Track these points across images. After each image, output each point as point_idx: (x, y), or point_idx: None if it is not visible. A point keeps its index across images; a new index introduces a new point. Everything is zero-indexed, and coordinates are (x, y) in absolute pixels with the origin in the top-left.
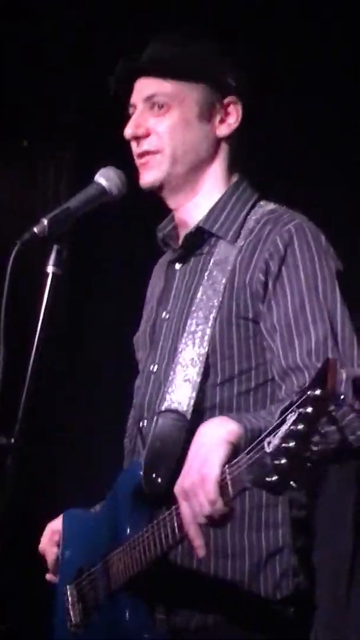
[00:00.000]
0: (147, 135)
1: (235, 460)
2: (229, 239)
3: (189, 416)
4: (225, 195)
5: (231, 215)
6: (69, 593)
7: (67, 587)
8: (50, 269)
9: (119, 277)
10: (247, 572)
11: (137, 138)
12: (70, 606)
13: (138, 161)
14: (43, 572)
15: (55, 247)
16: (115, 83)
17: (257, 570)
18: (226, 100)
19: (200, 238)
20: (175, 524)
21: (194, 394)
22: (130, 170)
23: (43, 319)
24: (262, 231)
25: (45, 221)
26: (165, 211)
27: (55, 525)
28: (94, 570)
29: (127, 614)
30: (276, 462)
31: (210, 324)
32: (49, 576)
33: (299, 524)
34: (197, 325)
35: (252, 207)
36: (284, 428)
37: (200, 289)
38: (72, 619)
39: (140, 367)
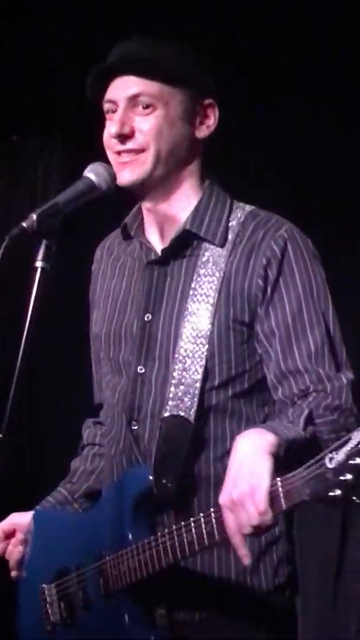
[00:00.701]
0: (132, 134)
1: (292, 474)
2: (217, 242)
3: (193, 421)
4: (205, 197)
5: (214, 218)
6: (47, 593)
7: (45, 586)
8: (39, 264)
9: None
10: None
11: (122, 137)
12: (48, 605)
13: (118, 159)
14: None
15: (44, 242)
16: (92, 85)
17: (257, 560)
18: (205, 102)
19: (184, 240)
20: (206, 531)
21: (196, 399)
22: None
23: (32, 314)
24: (254, 236)
25: (34, 216)
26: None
27: (16, 523)
28: (84, 570)
29: (127, 616)
30: (341, 477)
31: (208, 329)
32: (15, 573)
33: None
34: (194, 330)
35: (230, 209)
36: (349, 445)
37: (190, 293)
38: (51, 617)
39: (113, 365)
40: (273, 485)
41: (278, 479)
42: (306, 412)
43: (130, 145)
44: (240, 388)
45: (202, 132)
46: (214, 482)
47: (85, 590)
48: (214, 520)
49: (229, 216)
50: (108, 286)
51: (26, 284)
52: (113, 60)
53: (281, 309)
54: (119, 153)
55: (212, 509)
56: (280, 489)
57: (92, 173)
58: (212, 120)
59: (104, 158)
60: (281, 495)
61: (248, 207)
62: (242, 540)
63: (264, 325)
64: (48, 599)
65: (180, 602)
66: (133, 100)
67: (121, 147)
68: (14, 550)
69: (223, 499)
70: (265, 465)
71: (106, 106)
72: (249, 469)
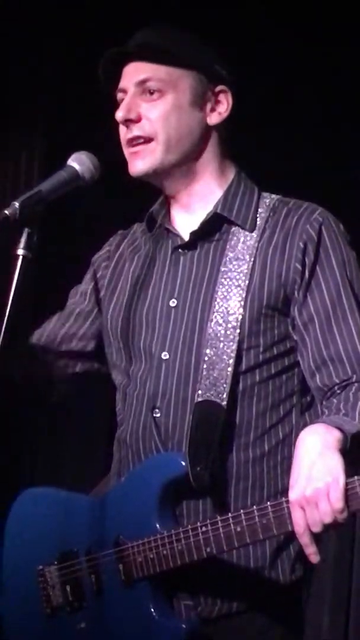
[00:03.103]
0: (138, 120)
1: None
2: (248, 227)
3: (225, 406)
4: (234, 184)
5: (244, 203)
6: (47, 575)
7: (44, 568)
8: (20, 251)
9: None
10: (268, 557)
11: (128, 122)
12: (50, 587)
13: (128, 149)
14: None
15: (26, 230)
16: (105, 67)
17: (276, 555)
18: (217, 89)
19: (213, 225)
20: (261, 524)
21: (228, 384)
22: (102, 155)
23: (12, 302)
24: (287, 221)
25: (16, 204)
26: (136, 194)
27: None
28: (96, 556)
29: (152, 606)
30: None
31: (239, 312)
32: None
33: None
34: (225, 314)
35: (258, 197)
36: None
37: (219, 276)
38: (53, 601)
39: (123, 350)
40: (350, 483)
41: (356, 477)
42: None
43: (136, 131)
44: (267, 374)
45: (214, 119)
46: (239, 471)
47: (98, 575)
48: (271, 515)
49: (257, 203)
50: (126, 273)
51: (7, 271)
52: (122, 48)
53: (319, 294)
54: (128, 143)
55: (268, 502)
56: (358, 487)
57: (76, 162)
58: (224, 107)
59: (86, 148)
60: (359, 493)
61: (275, 196)
62: (311, 539)
63: (302, 310)
64: (49, 581)
65: (201, 594)
66: (141, 86)
67: (129, 135)
68: None
69: (295, 495)
70: (338, 462)
71: (118, 96)
72: (322, 466)
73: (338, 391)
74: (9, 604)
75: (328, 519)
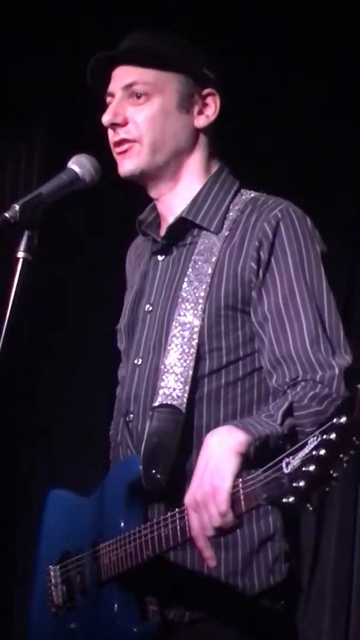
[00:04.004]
0: (124, 123)
1: (251, 476)
2: (213, 229)
3: (184, 410)
4: (207, 185)
5: (214, 205)
6: (52, 574)
7: (51, 567)
8: (20, 254)
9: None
10: (240, 562)
11: (115, 126)
12: (53, 587)
13: (115, 150)
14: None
15: (26, 233)
16: (93, 72)
17: (249, 559)
18: (205, 92)
19: (183, 229)
20: (179, 527)
21: (187, 388)
22: (103, 157)
23: (12, 305)
24: (248, 220)
25: (17, 207)
26: (140, 197)
27: None
28: (82, 555)
29: (116, 606)
30: (294, 484)
31: (199, 316)
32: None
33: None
34: (186, 317)
35: (234, 196)
36: (305, 451)
37: (185, 280)
38: (55, 600)
39: (124, 358)
40: (235, 487)
41: (240, 480)
42: (286, 404)
43: (122, 134)
44: (234, 376)
45: (201, 122)
46: None
47: (82, 575)
48: (186, 517)
49: (230, 203)
50: (130, 282)
51: (7, 274)
52: (109, 52)
53: (273, 292)
54: (115, 145)
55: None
56: (241, 490)
57: (76, 165)
58: (212, 110)
59: (86, 150)
60: (241, 497)
61: (253, 194)
62: (205, 542)
63: (257, 310)
64: (52, 580)
65: (171, 599)
66: (128, 89)
67: (115, 138)
68: None
69: (187, 499)
70: (230, 466)
71: (107, 99)
72: (213, 469)
73: (288, 391)
74: (33, 602)
75: (216, 523)
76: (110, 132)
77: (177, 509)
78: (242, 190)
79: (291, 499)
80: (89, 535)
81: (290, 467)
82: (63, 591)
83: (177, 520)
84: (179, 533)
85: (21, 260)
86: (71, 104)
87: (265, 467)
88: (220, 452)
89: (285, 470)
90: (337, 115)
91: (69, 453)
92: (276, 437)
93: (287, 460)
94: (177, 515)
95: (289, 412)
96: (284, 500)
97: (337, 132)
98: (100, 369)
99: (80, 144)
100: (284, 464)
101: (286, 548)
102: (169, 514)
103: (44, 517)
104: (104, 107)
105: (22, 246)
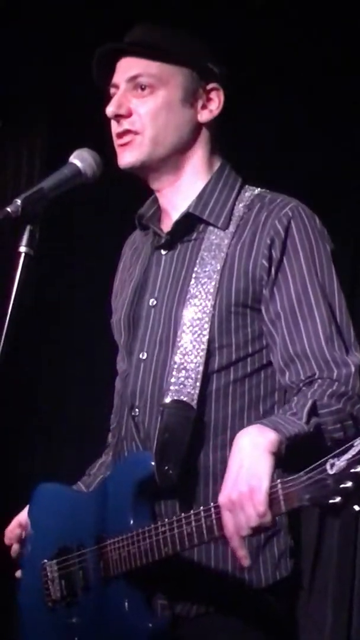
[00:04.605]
0: (128, 115)
1: (292, 477)
2: (220, 225)
3: (195, 406)
4: (212, 181)
5: (220, 200)
6: (48, 569)
7: (47, 562)
8: (22, 249)
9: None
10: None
11: (119, 117)
12: (50, 582)
13: (117, 141)
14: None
15: (28, 228)
16: (98, 63)
17: (256, 554)
18: (209, 87)
19: (188, 224)
20: (205, 526)
21: (198, 384)
22: (104, 152)
23: (14, 300)
24: (258, 217)
25: (18, 201)
26: (140, 191)
27: (23, 519)
28: (84, 551)
29: (126, 602)
30: (341, 485)
31: (209, 312)
32: (19, 573)
33: None
34: (195, 313)
35: (239, 192)
36: (351, 453)
37: (193, 276)
38: (52, 595)
39: (123, 352)
40: (273, 487)
41: (279, 481)
42: (309, 403)
43: (125, 125)
44: (242, 372)
45: (205, 116)
46: (215, 471)
47: (85, 570)
48: (214, 516)
49: (235, 199)
50: (126, 275)
51: (9, 269)
52: (114, 43)
53: (286, 290)
54: (118, 137)
55: (212, 504)
56: (280, 491)
57: (78, 159)
58: (215, 105)
59: (88, 145)
60: (281, 498)
61: (258, 190)
62: (240, 542)
63: (269, 307)
64: (49, 575)
65: (179, 594)
66: (133, 81)
67: (118, 129)
68: (15, 547)
69: (222, 499)
70: (265, 466)
71: (111, 91)
72: (248, 469)
73: (303, 388)
74: (24, 596)
75: (253, 523)
76: (113, 123)
77: (201, 507)
78: (245, 187)
79: (337, 500)
80: (91, 531)
81: (335, 468)
82: (62, 586)
83: (203, 519)
84: (204, 531)
85: (23, 254)
86: (72, 101)
87: (307, 469)
88: (254, 452)
89: (330, 472)
90: (339, 113)
91: (68, 450)
92: (303, 435)
93: (331, 461)
94: (202, 513)
95: (313, 411)
96: (330, 501)
97: (340, 130)
98: (101, 365)
99: (82, 142)
100: (328, 466)
101: (291, 544)
102: (191, 512)
103: (32, 511)
104: (107, 98)
105: (24, 241)
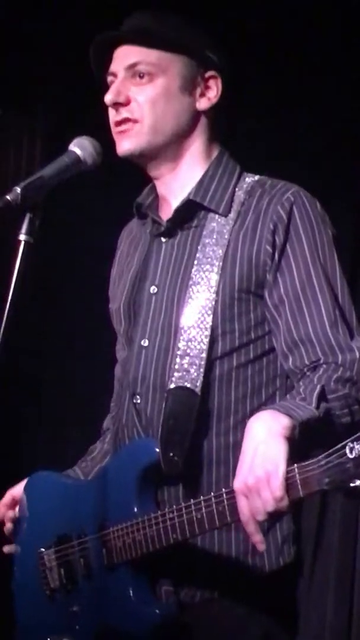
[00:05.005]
0: (127, 103)
1: (310, 462)
2: (221, 211)
3: (199, 392)
4: (211, 168)
5: (220, 187)
6: (46, 558)
7: (44, 551)
8: (22, 237)
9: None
10: (250, 542)
11: (117, 105)
12: (48, 570)
13: (115, 129)
14: None
15: (28, 216)
16: (96, 51)
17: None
18: (207, 74)
19: (189, 211)
20: (217, 511)
21: (202, 370)
22: (104, 140)
23: (14, 288)
24: (260, 203)
25: (18, 189)
26: (140, 179)
27: (17, 492)
28: (86, 539)
29: (131, 591)
30: None
31: (212, 299)
32: (7, 548)
33: None
34: (198, 300)
35: (238, 179)
36: None
37: (195, 263)
38: (51, 583)
39: (123, 339)
40: (290, 471)
41: (295, 465)
42: (318, 388)
43: (124, 114)
44: (245, 358)
45: (203, 104)
46: (218, 457)
47: (87, 558)
48: (226, 502)
49: (235, 185)
50: (124, 264)
51: (9, 257)
52: (112, 32)
53: (289, 276)
54: (116, 125)
55: (224, 490)
56: (297, 475)
57: (78, 147)
58: (213, 92)
59: (87, 132)
60: (298, 482)
61: (256, 177)
62: (256, 527)
63: (272, 293)
64: (47, 564)
65: (182, 580)
66: (131, 69)
67: (117, 117)
68: (9, 521)
69: (238, 484)
70: (280, 450)
71: (109, 79)
72: (263, 454)
73: (307, 373)
74: (19, 587)
75: (270, 508)
76: (111, 111)
77: (212, 493)
78: (244, 173)
79: (358, 483)
80: (92, 519)
81: (355, 452)
82: (61, 574)
83: (214, 505)
84: (216, 517)
85: (23, 242)
86: (72, 89)
87: (326, 454)
88: (269, 437)
89: (350, 455)
90: (341, 108)
91: (72, 435)
92: (314, 421)
93: (350, 445)
94: (213, 499)
95: (322, 396)
96: (351, 484)
97: (340, 122)
98: (102, 352)
99: (82, 130)
100: (347, 450)
101: (293, 529)
102: (201, 498)
103: (27, 500)
104: (105, 87)
105: (24, 229)
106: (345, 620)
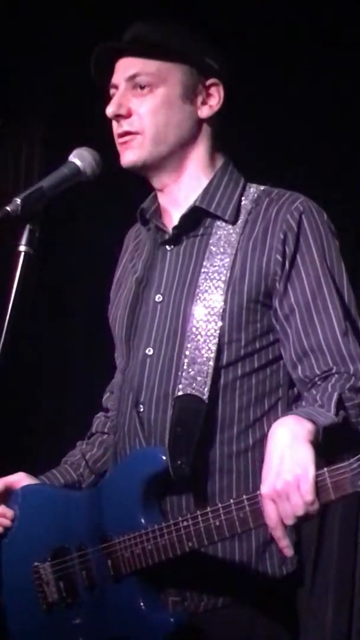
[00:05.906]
0: (128, 115)
1: (341, 465)
2: (227, 218)
3: (206, 400)
4: (217, 176)
5: (226, 195)
6: (42, 572)
7: (39, 565)
8: (22, 248)
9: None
10: (254, 551)
11: (119, 117)
12: (45, 584)
13: (118, 140)
14: None
15: (27, 227)
16: (96, 64)
17: (263, 549)
18: (208, 82)
19: (195, 219)
20: (238, 517)
21: (209, 378)
22: (103, 150)
23: (14, 299)
24: (268, 211)
25: (18, 200)
26: (141, 188)
27: (9, 482)
28: (87, 551)
29: (142, 601)
30: None
31: (220, 307)
32: None
33: None
34: (206, 308)
35: (243, 188)
36: None
37: (202, 271)
38: (48, 597)
39: (124, 348)
40: (320, 475)
41: (325, 469)
42: (336, 396)
43: (126, 126)
44: (250, 367)
45: (205, 112)
46: (222, 466)
47: (90, 571)
48: (247, 508)
49: (241, 194)
50: (129, 267)
51: (9, 268)
52: (111, 43)
53: (300, 285)
54: (118, 136)
55: (244, 496)
56: (328, 479)
57: (77, 158)
58: (215, 100)
59: (87, 143)
60: (329, 485)
61: (261, 187)
62: (284, 532)
63: (282, 302)
64: (44, 577)
65: (187, 590)
66: (131, 81)
67: (119, 130)
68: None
69: (266, 489)
70: (308, 454)
71: (111, 91)
72: (291, 458)
73: (319, 382)
74: (11, 600)
75: (300, 512)
76: (114, 123)
77: (231, 500)
78: (248, 183)
79: None
80: (93, 530)
81: None
82: (60, 587)
83: (234, 511)
84: (237, 523)
85: (23, 253)
86: (71, 98)
87: (358, 457)
88: (294, 442)
89: None
90: (341, 109)
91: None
92: (334, 427)
93: None
94: (233, 505)
95: (340, 403)
96: None
97: (340, 123)
98: (102, 353)
99: (81, 140)
100: None
101: (295, 539)
102: (219, 504)
103: (18, 513)
104: (107, 99)
105: (24, 240)
106: (345, 627)
